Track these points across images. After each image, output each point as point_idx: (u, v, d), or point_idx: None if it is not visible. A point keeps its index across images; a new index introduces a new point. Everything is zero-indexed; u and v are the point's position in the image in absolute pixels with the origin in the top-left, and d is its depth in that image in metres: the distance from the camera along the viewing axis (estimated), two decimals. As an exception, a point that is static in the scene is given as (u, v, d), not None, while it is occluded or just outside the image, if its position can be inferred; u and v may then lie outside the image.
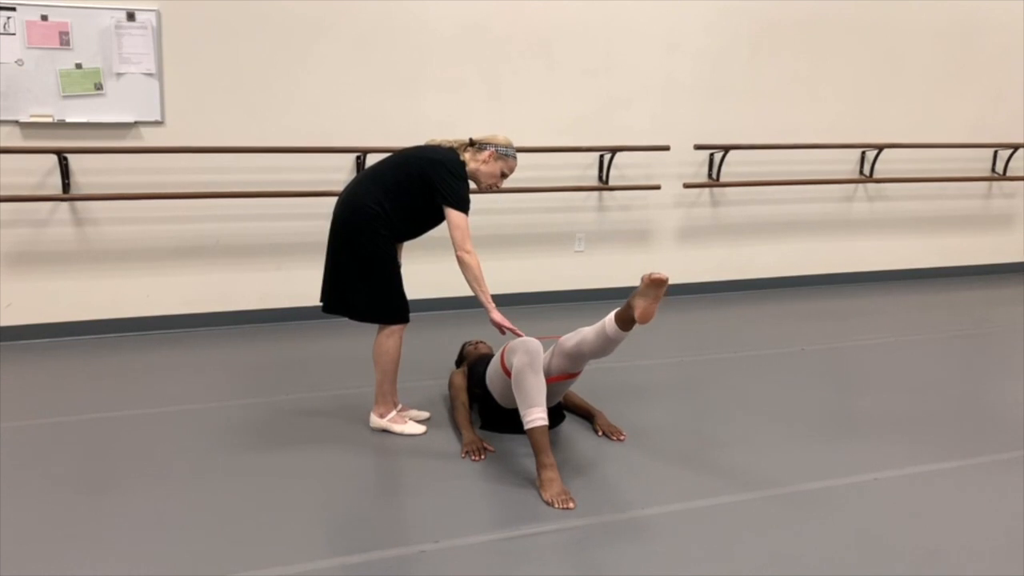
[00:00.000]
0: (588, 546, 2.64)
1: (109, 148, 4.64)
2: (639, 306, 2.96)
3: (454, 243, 3.32)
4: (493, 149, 3.42)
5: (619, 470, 3.17)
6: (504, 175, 3.48)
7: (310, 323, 5.10)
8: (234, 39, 4.82)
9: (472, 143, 3.47)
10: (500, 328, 3.38)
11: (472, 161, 3.42)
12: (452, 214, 3.31)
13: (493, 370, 3.37)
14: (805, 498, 2.96)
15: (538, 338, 3.20)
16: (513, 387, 3.07)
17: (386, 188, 3.31)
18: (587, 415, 3.65)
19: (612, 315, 3.09)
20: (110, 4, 4.54)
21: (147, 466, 3.17)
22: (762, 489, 3.02)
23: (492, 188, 3.51)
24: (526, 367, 3.04)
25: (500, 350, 3.32)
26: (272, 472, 3.13)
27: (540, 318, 5.36)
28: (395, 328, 3.41)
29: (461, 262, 3.32)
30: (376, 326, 3.45)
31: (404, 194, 3.31)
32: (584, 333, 3.16)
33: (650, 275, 2.90)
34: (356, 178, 3.47)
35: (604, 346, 3.13)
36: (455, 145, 3.46)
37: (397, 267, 3.41)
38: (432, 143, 3.51)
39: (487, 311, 3.38)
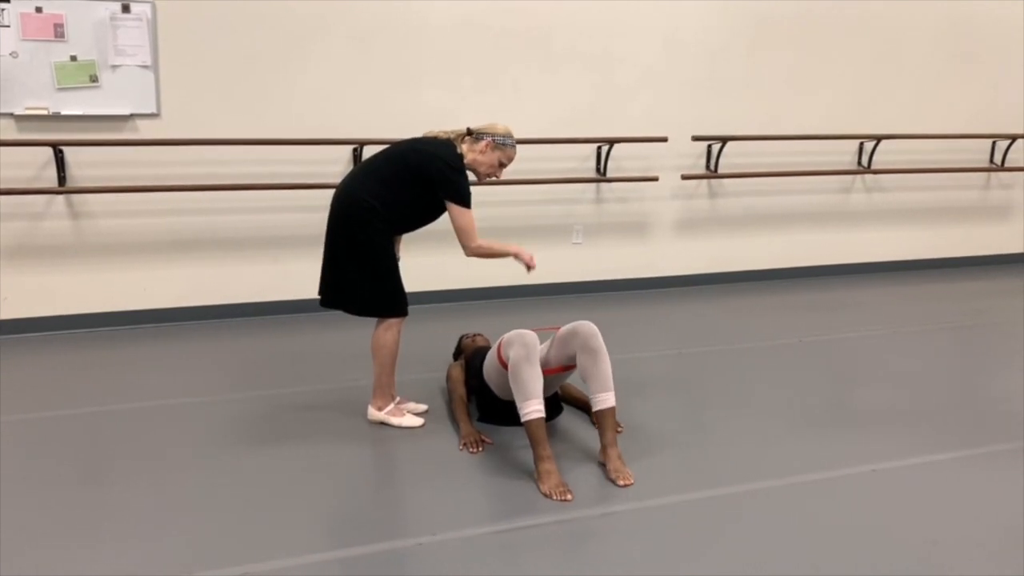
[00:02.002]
0: (586, 538, 2.64)
1: (105, 141, 4.62)
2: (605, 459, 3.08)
3: (460, 241, 3.33)
4: (491, 139, 3.39)
5: (617, 462, 3.17)
6: (503, 165, 3.44)
7: (307, 316, 5.10)
8: (230, 31, 4.79)
9: (470, 132, 3.44)
10: (527, 264, 3.42)
11: (470, 152, 3.39)
12: (457, 213, 3.30)
13: (490, 362, 3.37)
14: (804, 489, 2.97)
15: (536, 330, 3.19)
16: (510, 379, 3.07)
17: (382, 181, 3.29)
18: (585, 407, 3.65)
19: (591, 406, 3.18)
20: (105, -4, 4.52)
21: (144, 460, 3.16)
22: (760, 480, 3.02)
23: (491, 178, 3.49)
24: (522, 359, 3.03)
25: (497, 342, 3.32)
26: (269, 465, 3.13)
27: (538, 311, 5.36)
28: (393, 321, 3.40)
29: (474, 255, 3.38)
30: (374, 319, 3.44)
31: (401, 187, 3.29)
32: (585, 366, 3.15)
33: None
34: (352, 171, 3.45)
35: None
36: (452, 136, 3.43)
37: (395, 260, 3.40)
38: (429, 134, 3.48)
39: (518, 257, 3.43)
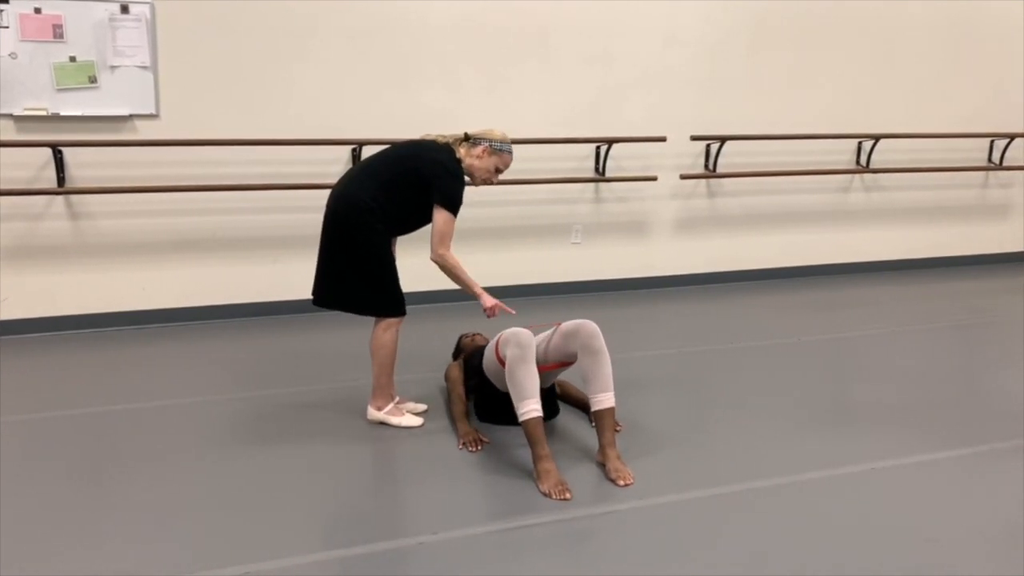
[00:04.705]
0: (586, 537, 2.64)
1: (104, 141, 4.62)
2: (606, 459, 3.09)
3: (432, 243, 3.30)
4: (487, 144, 3.42)
5: (616, 461, 3.17)
6: (499, 170, 3.47)
7: (306, 316, 5.10)
8: (229, 31, 4.80)
9: (467, 137, 3.46)
10: (493, 311, 3.39)
11: (467, 156, 3.42)
12: (440, 215, 3.29)
13: (488, 357, 3.38)
14: (804, 488, 2.97)
15: (531, 326, 3.19)
16: (507, 379, 3.08)
17: (381, 184, 3.30)
18: (583, 406, 3.65)
19: (591, 406, 3.20)
20: (104, -4, 4.53)
21: (144, 460, 3.17)
22: (760, 479, 3.03)
23: (486, 184, 3.52)
24: (518, 360, 3.04)
25: (496, 337, 3.32)
26: (270, 465, 3.13)
27: (537, 310, 5.36)
28: (392, 321, 3.41)
29: (438, 264, 3.34)
30: (373, 319, 3.45)
31: (399, 190, 3.31)
32: (586, 366, 3.17)
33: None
34: (350, 172, 3.46)
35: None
36: (451, 141, 3.45)
37: (393, 261, 3.41)
38: (428, 138, 3.50)
39: (480, 299, 3.38)
